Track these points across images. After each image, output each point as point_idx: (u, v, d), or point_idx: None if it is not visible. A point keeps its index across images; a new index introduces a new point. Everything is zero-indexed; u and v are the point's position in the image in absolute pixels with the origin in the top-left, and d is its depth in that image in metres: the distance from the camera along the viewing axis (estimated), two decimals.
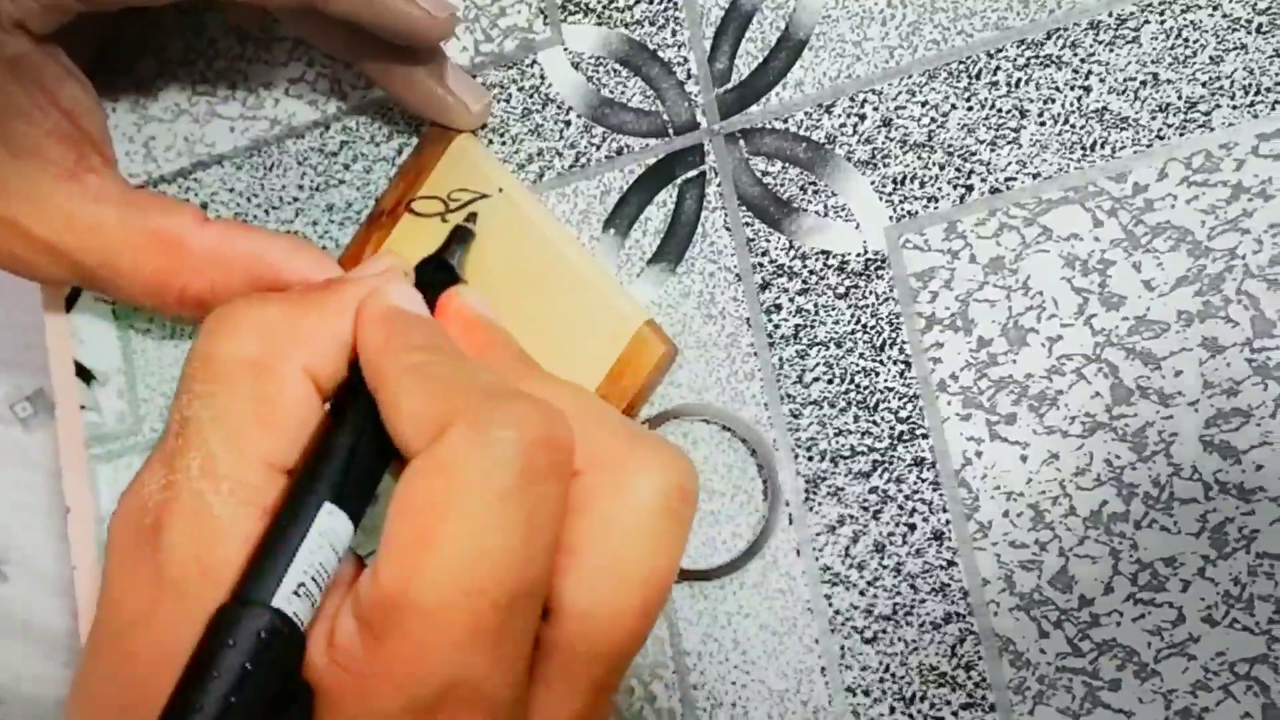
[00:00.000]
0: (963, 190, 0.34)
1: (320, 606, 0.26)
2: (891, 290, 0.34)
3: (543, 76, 0.37)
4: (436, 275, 0.33)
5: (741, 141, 0.36)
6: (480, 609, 0.23)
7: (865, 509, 0.34)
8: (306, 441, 0.28)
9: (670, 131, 0.36)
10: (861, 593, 0.34)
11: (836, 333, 0.34)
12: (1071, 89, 0.33)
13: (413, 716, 0.24)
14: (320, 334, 0.28)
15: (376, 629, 0.24)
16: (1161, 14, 0.33)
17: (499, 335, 0.31)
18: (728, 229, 0.35)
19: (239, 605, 0.25)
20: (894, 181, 0.34)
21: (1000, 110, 0.34)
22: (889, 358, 0.34)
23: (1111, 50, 0.33)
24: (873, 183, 0.35)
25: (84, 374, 0.40)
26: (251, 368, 0.27)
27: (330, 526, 0.26)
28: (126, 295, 0.35)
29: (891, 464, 0.34)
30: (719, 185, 0.36)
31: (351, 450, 0.27)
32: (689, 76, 0.36)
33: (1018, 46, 0.34)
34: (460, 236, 0.35)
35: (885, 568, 0.34)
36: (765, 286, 0.35)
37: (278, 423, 0.27)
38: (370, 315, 0.29)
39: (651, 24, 0.37)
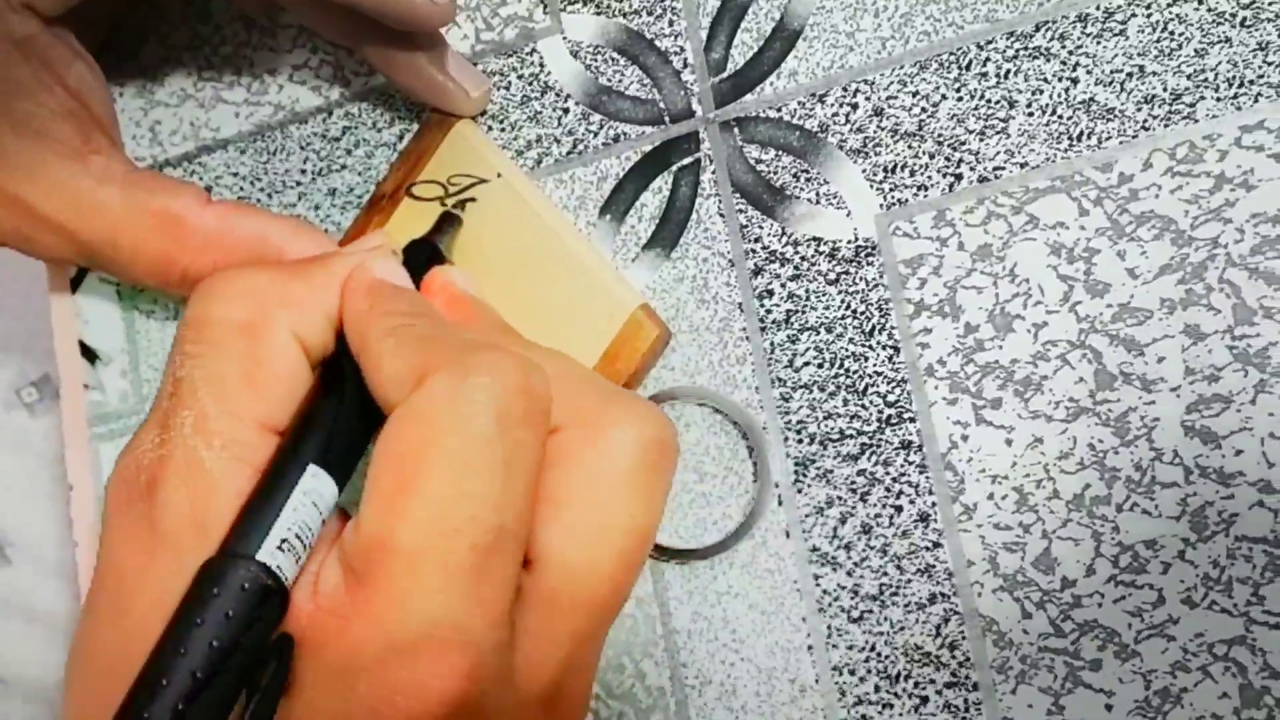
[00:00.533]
0: (952, 179, 0.34)
1: (305, 562, 0.26)
2: (881, 277, 0.35)
3: (542, 64, 0.38)
4: (424, 256, 0.34)
5: (736, 129, 0.36)
6: (459, 549, 0.24)
7: (853, 491, 0.34)
8: (296, 405, 0.28)
9: (666, 119, 0.37)
10: (849, 573, 0.34)
11: (827, 318, 0.35)
12: (1059, 80, 0.34)
13: (394, 657, 0.24)
14: (309, 302, 0.29)
15: (359, 573, 0.24)
16: (1148, 7, 0.34)
17: (482, 309, 0.31)
18: (721, 215, 0.36)
19: (225, 558, 0.25)
20: (885, 170, 0.35)
21: (989, 101, 0.34)
22: (878, 343, 0.35)
23: (1099, 43, 0.34)
24: (864, 171, 0.35)
25: (88, 354, 0.41)
26: (242, 330, 0.28)
27: (314, 487, 0.26)
28: (130, 274, 0.36)
29: (879, 447, 0.34)
30: (713, 172, 0.36)
31: (336, 415, 0.28)
32: (685, 65, 0.37)
33: (1007, 38, 0.34)
34: (449, 221, 0.35)
35: (872, 549, 0.34)
36: (758, 272, 0.36)
37: (267, 384, 0.28)
38: (355, 285, 0.29)
39: (649, 14, 0.37)
